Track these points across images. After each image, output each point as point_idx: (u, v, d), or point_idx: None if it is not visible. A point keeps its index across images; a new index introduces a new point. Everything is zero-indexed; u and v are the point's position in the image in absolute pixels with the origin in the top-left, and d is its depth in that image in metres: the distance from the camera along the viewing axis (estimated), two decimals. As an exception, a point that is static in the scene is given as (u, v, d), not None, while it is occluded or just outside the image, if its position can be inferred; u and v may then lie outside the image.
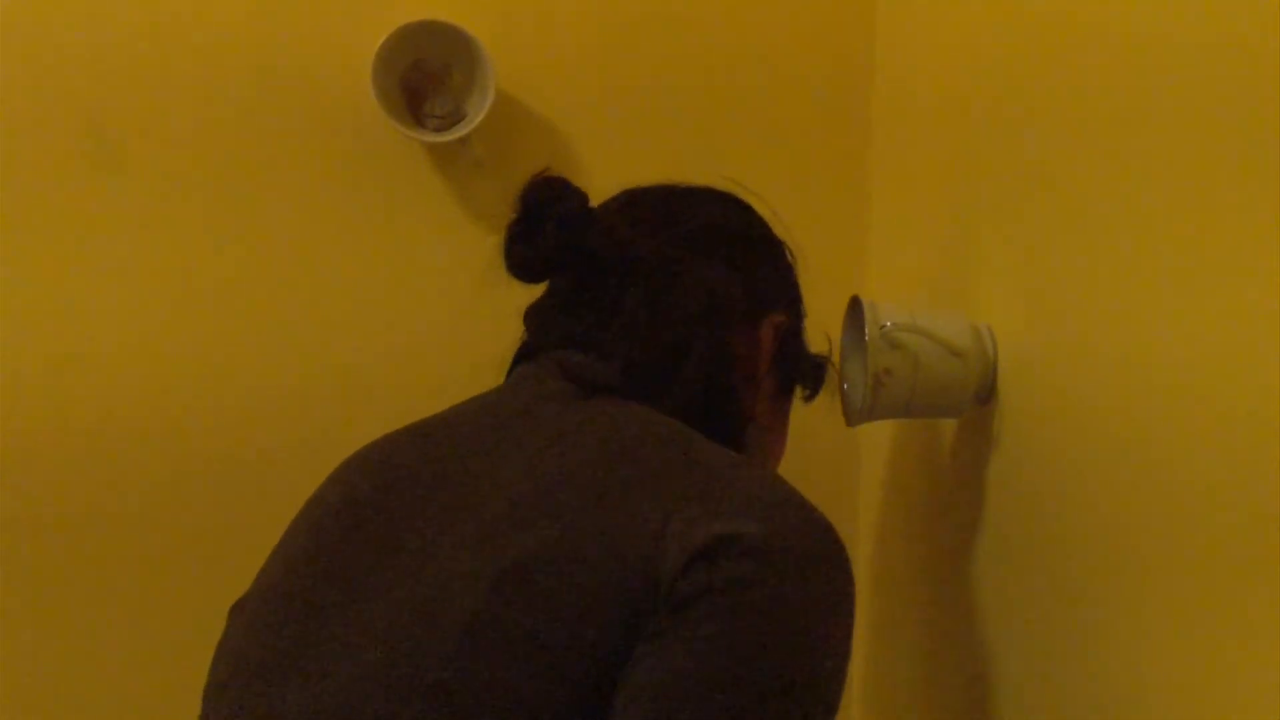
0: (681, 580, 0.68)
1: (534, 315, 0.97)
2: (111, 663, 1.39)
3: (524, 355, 0.95)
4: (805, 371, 1.03)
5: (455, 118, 1.38)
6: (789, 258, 1.03)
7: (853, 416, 1.05)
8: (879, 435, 1.38)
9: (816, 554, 0.74)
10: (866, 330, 0.98)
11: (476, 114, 1.34)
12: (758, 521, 0.71)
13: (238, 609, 0.84)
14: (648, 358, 0.88)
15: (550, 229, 0.89)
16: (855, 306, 1.04)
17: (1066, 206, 0.88)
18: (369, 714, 0.69)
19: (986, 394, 1.02)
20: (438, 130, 1.37)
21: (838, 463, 1.43)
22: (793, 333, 1.00)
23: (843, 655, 0.74)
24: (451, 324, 1.42)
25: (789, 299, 1.02)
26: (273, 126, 1.39)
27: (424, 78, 1.38)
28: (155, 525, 1.39)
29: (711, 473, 0.76)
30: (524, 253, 0.91)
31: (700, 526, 0.70)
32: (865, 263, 1.45)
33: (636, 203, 0.98)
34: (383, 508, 0.80)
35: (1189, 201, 0.70)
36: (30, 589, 1.37)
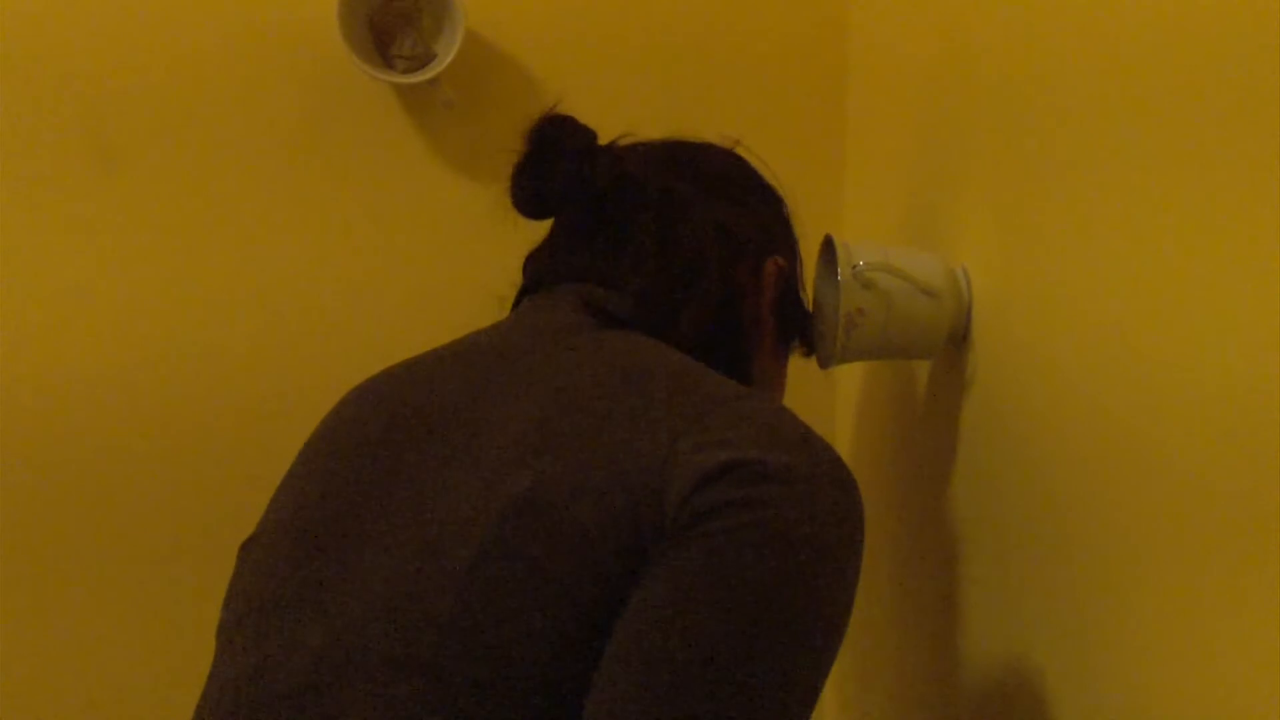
0: (685, 506, 0.68)
1: (538, 254, 0.97)
2: (122, 620, 1.40)
3: (530, 289, 0.95)
4: (804, 321, 1.02)
5: (424, 59, 1.36)
6: (788, 213, 1.04)
7: (826, 358, 1.04)
8: (852, 377, 1.38)
9: (826, 482, 0.72)
10: (839, 270, 0.97)
11: (446, 55, 1.32)
12: (764, 449, 0.70)
13: (248, 548, 0.85)
14: (659, 288, 0.88)
15: (560, 165, 0.90)
16: (828, 246, 1.03)
17: (1045, 148, 0.87)
18: (381, 653, 0.69)
19: (961, 336, 1.01)
20: (406, 72, 1.35)
21: (812, 405, 1.42)
22: (792, 279, 1.00)
23: (850, 584, 0.72)
24: (420, 266, 1.40)
25: (790, 248, 1.02)
26: (236, 68, 1.36)
27: (392, 18, 1.36)
28: (153, 478, 1.39)
29: (720, 403, 0.75)
30: (533, 188, 0.91)
31: (707, 454, 0.69)
32: (841, 203, 1.44)
33: (642, 147, 0.98)
34: (392, 445, 0.80)
35: (1171, 143, 0.68)
36: (40, 547, 1.38)
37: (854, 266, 0.97)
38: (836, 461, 0.74)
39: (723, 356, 0.87)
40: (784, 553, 0.68)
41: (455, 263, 1.40)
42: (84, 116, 1.35)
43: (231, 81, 1.37)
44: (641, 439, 0.71)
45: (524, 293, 0.95)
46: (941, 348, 1.02)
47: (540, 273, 0.94)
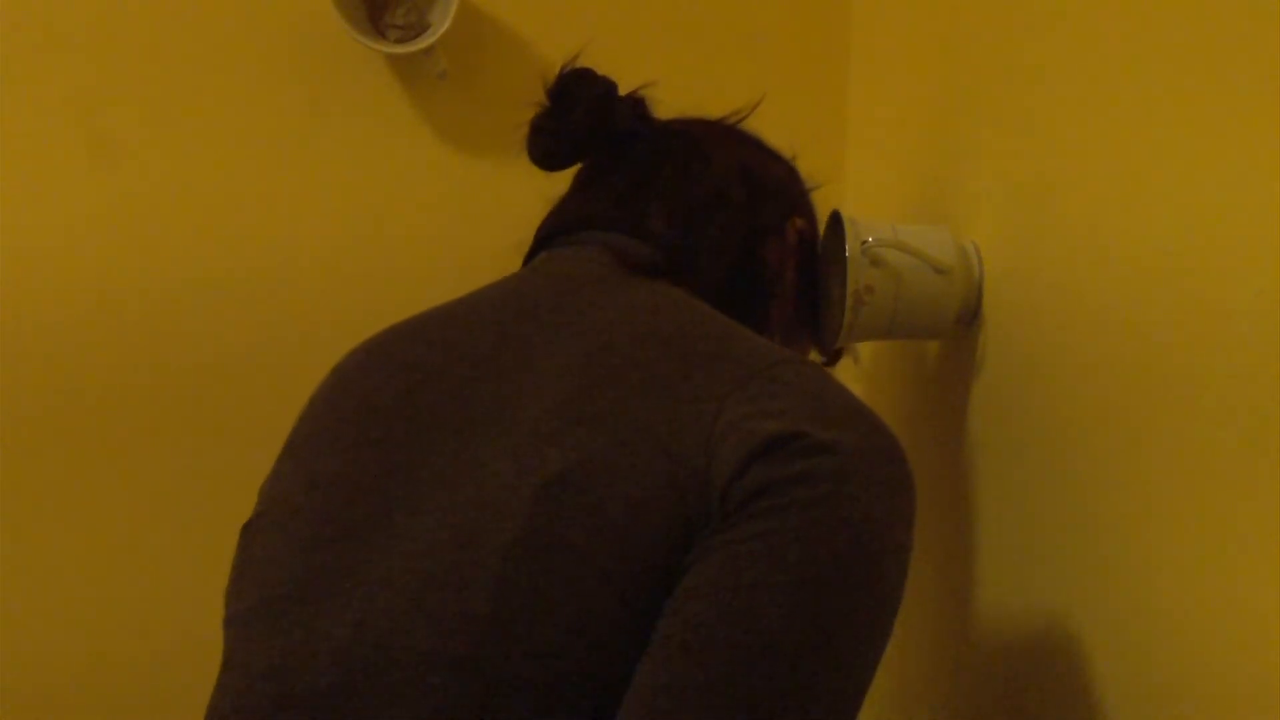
0: (737, 483, 0.65)
1: (559, 208, 0.94)
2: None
3: (548, 239, 0.90)
4: (818, 294, 1.00)
5: (418, 29, 1.34)
6: (805, 186, 1.02)
7: (832, 338, 1.01)
8: (860, 357, 1.35)
9: (876, 456, 0.69)
10: (847, 246, 0.94)
11: (440, 24, 1.30)
12: (811, 421, 0.67)
13: (251, 529, 0.79)
14: (681, 224, 0.86)
15: (579, 112, 0.89)
16: (835, 221, 1.00)
17: (1056, 120, 0.85)
18: (414, 648, 0.65)
19: (971, 314, 0.99)
20: (400, 41, 1.33)
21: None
22: (814, 245, 0.98)
23: (904, 559, 0.70)
24: (412, 238, 1.38)
25: (810, 213, 1.00)
26: (227, 35, 1.34)
27: (385, -14, 1.33)
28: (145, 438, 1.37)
29: (762, 369, 0.71)
30: (554, 132, 0.90)
31: (753, 425, 0.66)
32: (843, 178, 1.42)
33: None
34: (412, 416, 0.75)
35: (1183, 109, 0.67)
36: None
37: (862, 243, 0.95)
38: (885, 433, 0.71)
39: (744, 306, 0.84)
40: (838, 530, 0.65)
41: (447, 234, 1.37)
42: (79, 90, 1.33)
43: (221, 50, 1.34)
44: (682, 411, 0.68)
45: (541, 243, 0.91)
46: (951, 327, 0.99)
47: (559, 222, 0.90)
